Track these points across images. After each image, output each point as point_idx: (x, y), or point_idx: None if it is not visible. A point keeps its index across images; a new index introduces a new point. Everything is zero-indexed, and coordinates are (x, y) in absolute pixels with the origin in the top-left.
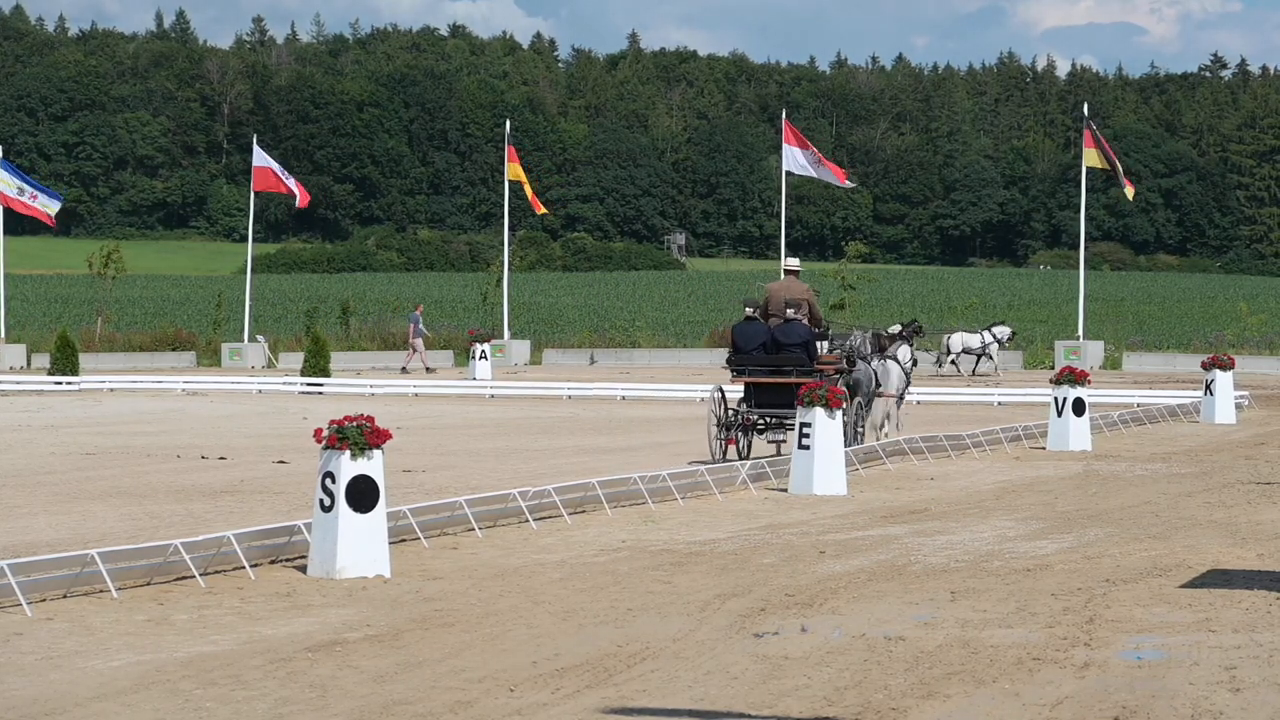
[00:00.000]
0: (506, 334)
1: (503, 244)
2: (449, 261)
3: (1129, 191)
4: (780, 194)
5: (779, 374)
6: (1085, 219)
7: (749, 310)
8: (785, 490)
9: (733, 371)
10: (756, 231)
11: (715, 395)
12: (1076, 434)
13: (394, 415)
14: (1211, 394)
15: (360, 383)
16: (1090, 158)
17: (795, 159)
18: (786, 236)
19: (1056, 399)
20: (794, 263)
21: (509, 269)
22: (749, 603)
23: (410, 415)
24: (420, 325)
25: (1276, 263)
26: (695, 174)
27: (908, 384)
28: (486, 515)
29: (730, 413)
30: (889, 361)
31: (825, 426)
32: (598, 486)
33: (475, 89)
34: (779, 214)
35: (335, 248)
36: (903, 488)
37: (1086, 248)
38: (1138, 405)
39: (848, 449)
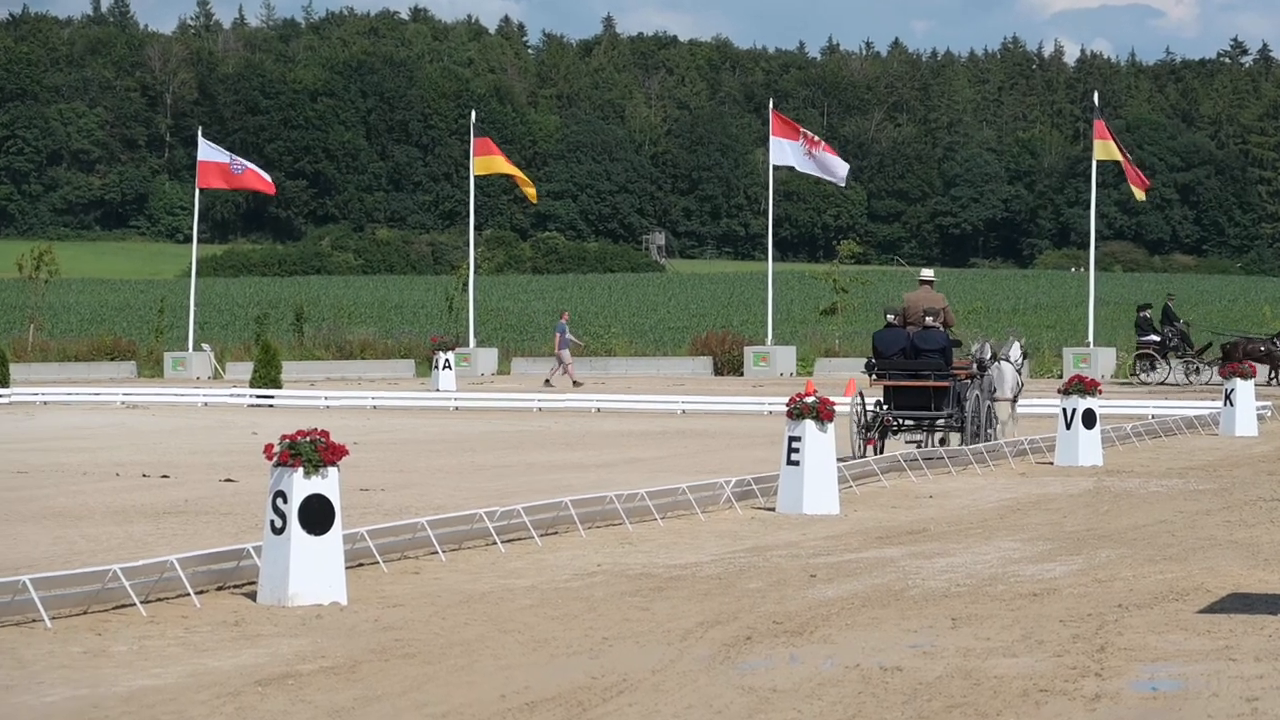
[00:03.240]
0: (472, 342)
1: (468, 244)
2: (410, 264)
3: (1139, 194)
4: (767, 190)
5: (918, 378)
6: (1096, 216)
7: (890, 318)
8: (773, 509)
9: (873, 375)
10: (742, 231)
11: (857, 399)
12: (1086, 448)
13: (351, 429)
14: (1232, 404)
15: (314, 394)
16: (1101, 150)
17: (784, 152)
18: (774, 236)
19: (1065, 410)
20: (929, 273)
21: (475, 271)
22: (734, 631)
23: (368, 429)
24: (567, 334)
25: None
26: (675, 169)
27: (1022, 383)
28: (450, 537)
29: (870, 414)
30: (1003, 364)
31: (816, 441)
32: (570, 506)
33: (438, 77)
34: (766, 211)
35: (287, 249)
36: (899, 506)
37: (1097, 247)
38: (1152, 417)
39: (840, 464)
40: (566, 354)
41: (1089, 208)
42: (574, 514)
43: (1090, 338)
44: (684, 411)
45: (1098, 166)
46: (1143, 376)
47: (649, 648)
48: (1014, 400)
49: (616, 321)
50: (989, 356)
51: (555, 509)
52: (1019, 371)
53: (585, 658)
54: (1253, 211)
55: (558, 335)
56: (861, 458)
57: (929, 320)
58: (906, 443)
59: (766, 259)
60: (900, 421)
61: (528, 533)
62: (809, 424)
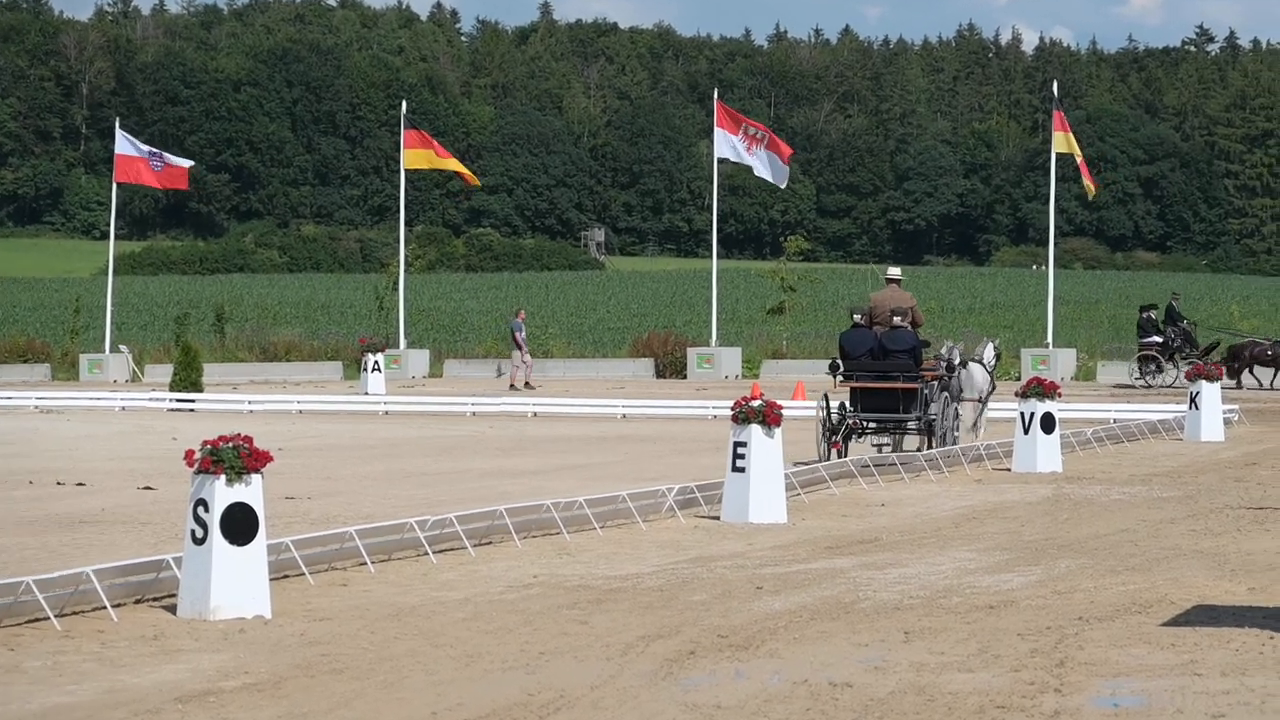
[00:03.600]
0: (403, 343)
1: (398, 241)
2: (337, 261)
3: (1090, 189)
4: (712, 184)
5: (886, 379)
6: (1055, 212)
7: (857, 318)
8: (717, 518)
9: (839, 377)
10: (685, 226)
11: (822, 401)
12: (1045, 453)
13: (275, 435)
14: (1197, 408)
15: (237, 398)
16: (1060, 142)
17: (728, 144)
18: (719, 232)
19: (1023, 414)
20: (895, 272)
21: (405, 269)
22: (677, 645)
23: (294, 435)
24: (523, 333)
25: (1270, 260)
26: (616, 162)
27: (993, 386)
28: (380, 547)
29: (837, 417)
30: (972, 365)
31: (762, 446)
32: (505, 514)
33: (367, 66)
34: (710, 206)
35: (208, 246)
36: (850, 515)
37: (1056, 244)
38: (1114, 421)
39: (788, 471)
40: (525, 354)
41: (1048, 202)
42: (509, 523)
43: (1049, 338)
44: (624, 416)
45: (1057, 160)
46: (1148, 379)
47: (588, 663)
48: (984, 403)
49: (554, 322)
50: (958, 359)
51: (489, 518)
52: (991, 375)
53: (521, 673)
54: (1219, 206)
55: (515, 334)
56: (826, 461)
57: (897, 320)
58: (873, 445)
59: (711, 256)
60: (866, 424)
61: (461, 543)
62: (755, 429)
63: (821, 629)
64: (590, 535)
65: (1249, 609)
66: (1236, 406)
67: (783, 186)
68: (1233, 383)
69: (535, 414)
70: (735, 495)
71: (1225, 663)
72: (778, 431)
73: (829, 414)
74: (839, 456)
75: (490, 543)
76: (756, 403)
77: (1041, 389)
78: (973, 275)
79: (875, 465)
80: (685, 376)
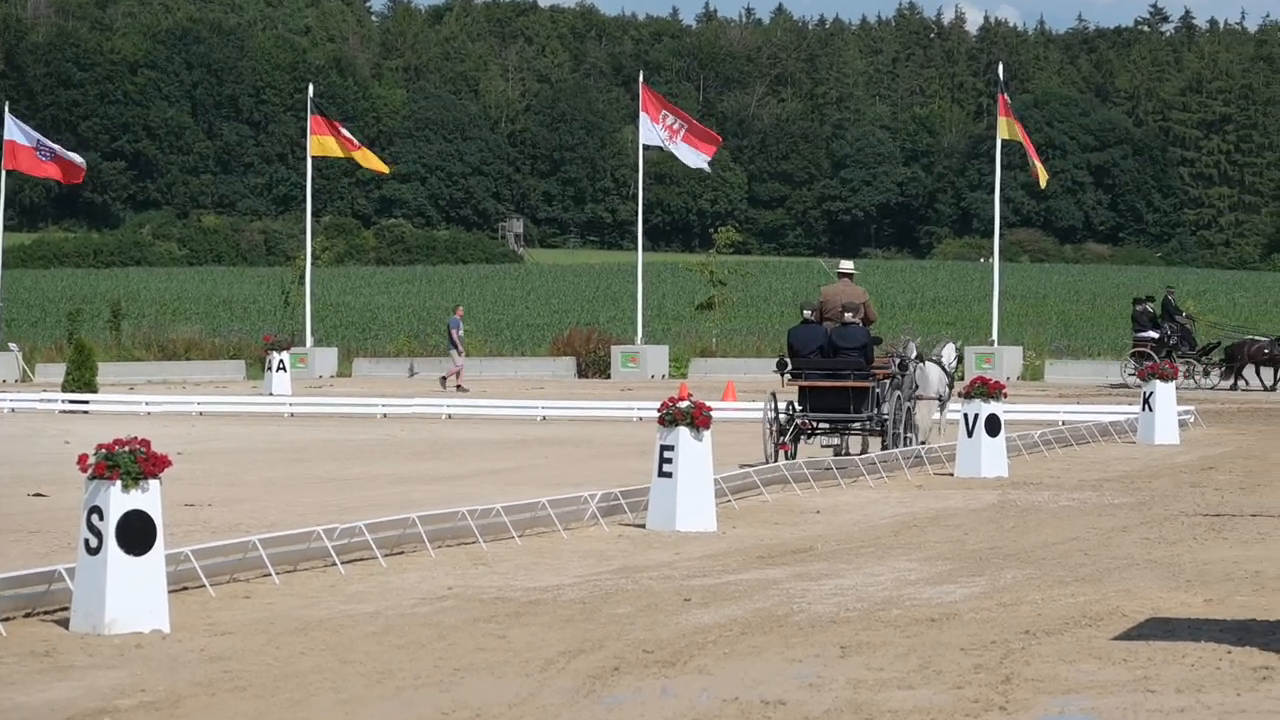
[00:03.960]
0: (309, 340)
1: (305, 233)
2: (240, 254)
3: (1040, 177)
4: (637, 172)
5: (836, 377)
6: (1000, 201)
7: (806, 313)
8: (643, 526)
9: (787, 376)
10: (609, 217)
11: (769, 401)
12: (990, 457)
13: (174, 438)
14: (1150, 409)
15: (134, 399)
16: (1006, 128)
17: (654, 130)
18: (645, 223)
19: (966, 416)
20: (848, 265)
21: (312, 263)
22: (600, 661)
23: (194, 438)
24: (459, 331)
25: (1228, 253)
26: (535, 149)
27: (951, 386)
28: (285, 558)
29: (785, 417)
30: (928, 364)
31: (691, 450)
32: (418, 522)
33: (271, 47)
34: (635, 196)
35: (104, 238)
36: (783, 522)
37: (1002, 235)
38: (1063, 423)
39: (718, 477)
40: (460, 354)
41: (993, 192)
42: (422, 531)
43: (994, 336)
44: (544, 418)
45: (1003, 146)
46: (1133, 378)
47: (505, 679)
48: (941, 405)
49: (469, 318)
50: (914, 356)
51: (401, 526)
52: (950, 375)
53: (434, 691)
54: (1174, 196)
55: (453, 332)
56: (774, 463)
57: (848, 316)
58: (823, 447)
59: (636, 249)
60: (816, 425)
61: (371, 552)
62: (683, 431)
63: (753, 643)
64: (508, 545)
65: (1205, 622)
66: (1192, 408)
67: (708, 170)
68: (1227, 384)
69: (450, 416)
70: (662, 502)
71: (1180, 679)
72: (707, 434)
73: (777, 414)
74: (788, 458)
75: (402, 552)
76: (684, 404)
77: (986, 389)
78: (913, 269)
79: (810, 470)
80: (609, 376)
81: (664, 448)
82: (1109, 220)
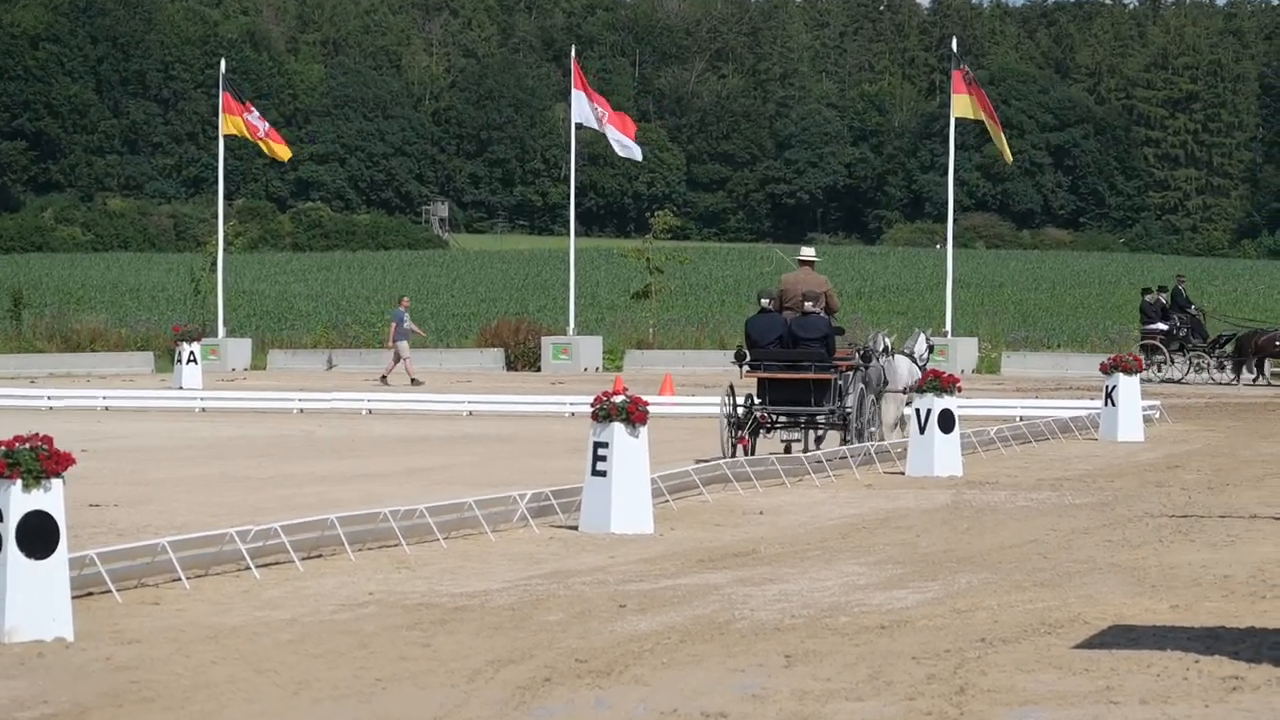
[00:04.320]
0: (221, 331)
1: (216, 217)
2: (148, 239)
3: (1007, 155)
4: (569, 153)
5: (796, 369)
6: (954, 184)
7: (764, 302)
8: (575, 528)
9: (745, 367)
10: (539, 200)
11: (725, 393)
12: (943, 455)
13: (78, 434)
14: (1113, 404)
15: (35, 393)
16: (961, 106)
17: (587, 109)
18: (577, 207)
19: (918, 411)
20: (810, 253)
21: (225, 249)
22: (530, 670)
23: (99, 434)
24: (406, 323)
25: (1195, 238)
26: (461, 128)
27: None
28: (196, 561)
29: (743, 410)
30: (897, 357)
31: (626, 447)
32: (337, 524)
33: (181, 20)
34: (567, 178)
35: (2, 222)
36: (724, 524)
37: (956, 220)
38: (1020, 419)
39: (654, 475)
40: (405, 346)
41: (946, 174)
42: (341, 533)
43: (948, 326)
44: (471, 413)
45: (956, 125)
46: (1151, 372)
47: (430, 690)
48: (910, 400)
49: (391, 307)
50: (881, 348)
51: (319, 528)
52: (922, 369)
53: (355, 702)
54: (1138, 178)
55: (394, 325)
56: (731, 458)
57: (809, 305)
58: (782, 441)
59: (568, 234)
60: (775, 418)
61: (287, 555)
62: (618, 427)
63: (693, 652)
64: (433, 547)
65: (1171, 629)
66: (1157, 403)
67: (639, 159)
68: (1234, 377)
69: (371, 411)
70: (595, 502)
71: (1145, 689)
72: (643, 430)
73: (734, 407)
74: (746, 453)
75: (320, 556)
76: (619, 398)
77: (939, 383)
78: (862, 255)
79: (753, 469)
80: (539, 369)
81: (598, 445)
82: (1069, 204)
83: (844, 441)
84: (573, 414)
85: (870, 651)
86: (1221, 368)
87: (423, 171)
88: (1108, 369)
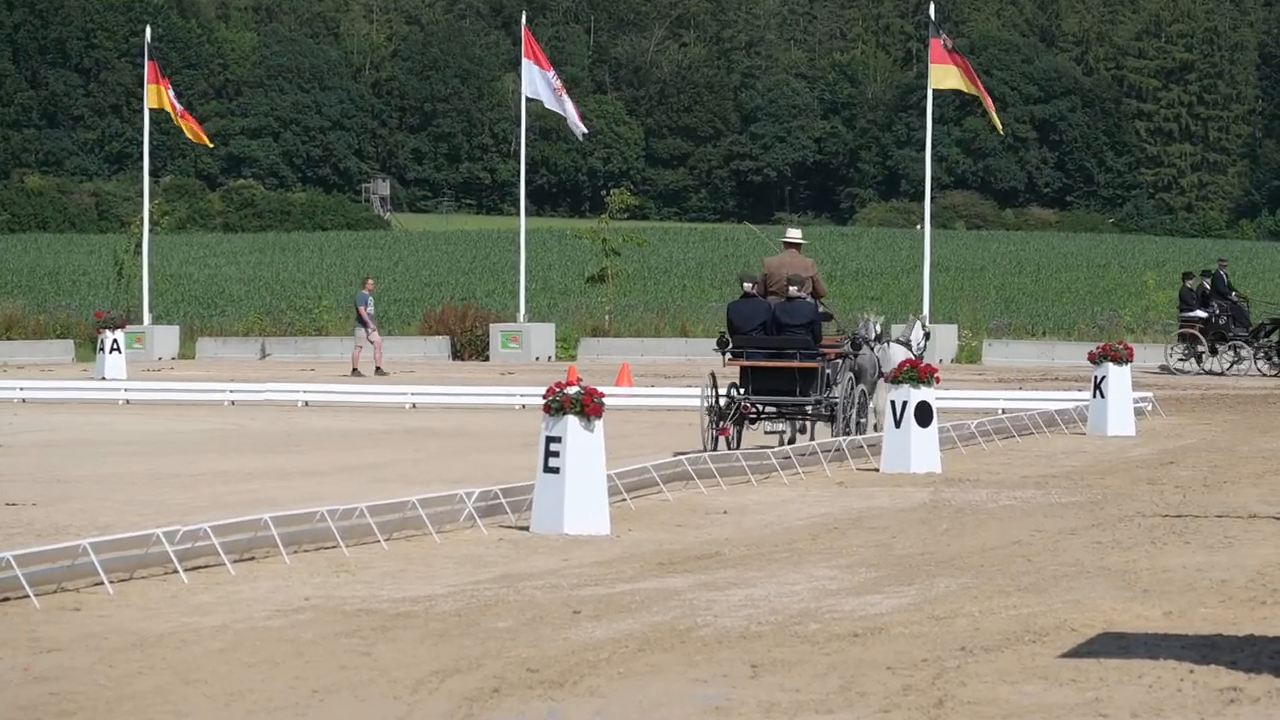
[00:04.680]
0: (147, 318)
1: (141, 195)
2: (68, 219)
3: (998, 125)
4: (519, 126)
5: (781, 357)
6: (932, 160)
7: (747, 286)
8: (526, 529)
9: (727, 354)
10: (487, 177)
11: (707, 382)
12: (920, 450)
13: None
14: (1103, 396)
15: None
16: (939, 77)
17: (539, 80)
18: (528, 184)
19: (893, 404)
20: (796, 234)
21: (150, 229)
22: (477, 681)
23: (16, 428)
24: (370, 307)
25: (1190, 218)
26: (404, 100)
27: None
28: (120, 564)
29: (725, 400)
30: (893, 345)
31: (581, 442)
32: (271, 524)
33: None
34: (517, 154)
35: None
36: (686, 524)
37: (934, 199)
38: (1003, 411)
39: (610, 472)
40: (364, 333)
41: (924, 149)
42: (276, 534)
43: (926, 312)
44: (414, 405)
45: (935, 98)
46: (1180, 364)
47: (371, 702)
48: None
49: (329, 292)
50: (873, 335)
51: (252, 528)
52: (919, 357)
53: (290, 715)
54: (1128, 154)
55: (360, 309)
56: (713, 451)
57: (793, 290)
58: (767, 433)
59: (518, 213)
60: (760, 408)
61: (218, 558)
62: (572, 421)
63: (651, 662)
64: (374, 549)
65: (1164, 637)
66: (1150, 394)
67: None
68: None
69: (306, 403)
70: (548, 501)
71: (1136, 701)
72: (599, 424)
73: (716, 397)
74: (730, 446)
75: (253, 558)
76: (573, 389)
77: (916, 373)
78: (833, 236)
79: (716, 465)
80: (487, 358)
81: (550, 440)
82: (1055, 181)
83: (832, 434)
84: (523, 406)
85: (842, 661)
86: (1267, 358)
87: (362, 147)
88: (1096, 358)
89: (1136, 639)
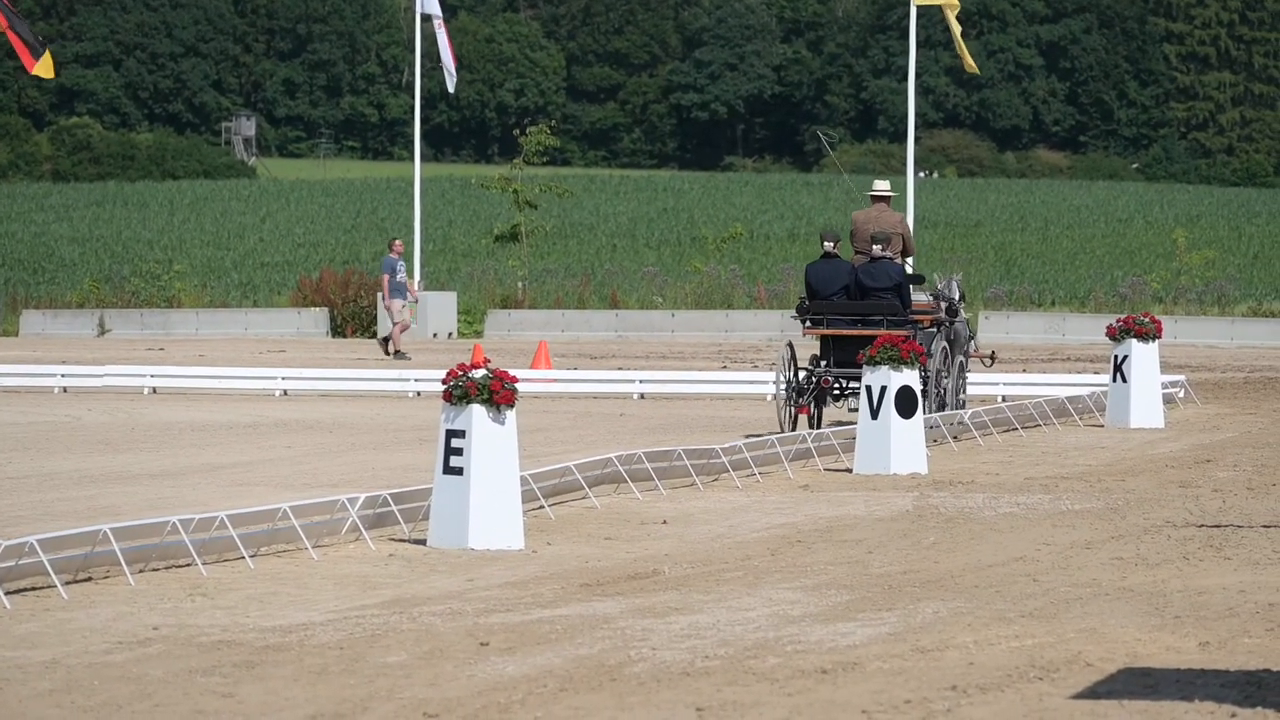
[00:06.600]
0: None
1: None
2: None
3: (970, 64)
4: (413, 52)
5: (866, 324)
6: (916, 93)
7: (828, 245)
8: (423, 542)
9: (806, 322)
10: (374, 115)
11: (784, 354)
12: (902, 447)
13: None
14: (1124, 380)
15: None
16: None
17: None
18: (425, 123)
19: (869, 389)
20: (884, 186)
21: None
22: None
23: None
24: (400, 274)
25: (1230, 162)
26: (272, 20)
27: (971, 338)
28: None
29: (804, 374)
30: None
31: (489, 436)
32: (112, 537)
33: None
34: (411, 86)
35: None
36: (617, 537)
37: (919, 140)
38: (1003, 399)
39: (525, 474)
40: (400, 307)
41: (905, 79)
42: (117, 549)
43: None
44: (287, 392)
45: (920, 16)
46: None
47: None
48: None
49: (181, 254)
50: (958, 297)
51: (88, 542)
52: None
53: None
54: (1155, 84)
55: (385, 277)
56: (791, 432)
57: (878, 249)
58: (850, 410)
59: (412, 158)
60: (843, 384)
61: (46, 579)
62: (477, 411)
63: (576, 704)
64: (237, 568)
65: (1200, 673)
66: (1183, 378)
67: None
68: None
69: (155, 390)
70: (449, 509)
71: None
72: (510, 414)
73: (795, 370)
74: (811, 426)
75: (90, 579)
76: (479, 373)
77: (896, 353)
78: (796, 184)
79: (653, 465)
80: (374, 335)
81: (451, 434)
82: (1066, 119)
83: (925, 413)
84: (419, 393)
85: (808, 703)
86: None
87: (222, 77)
88: (1117, 334)
89: (1166, 676)
